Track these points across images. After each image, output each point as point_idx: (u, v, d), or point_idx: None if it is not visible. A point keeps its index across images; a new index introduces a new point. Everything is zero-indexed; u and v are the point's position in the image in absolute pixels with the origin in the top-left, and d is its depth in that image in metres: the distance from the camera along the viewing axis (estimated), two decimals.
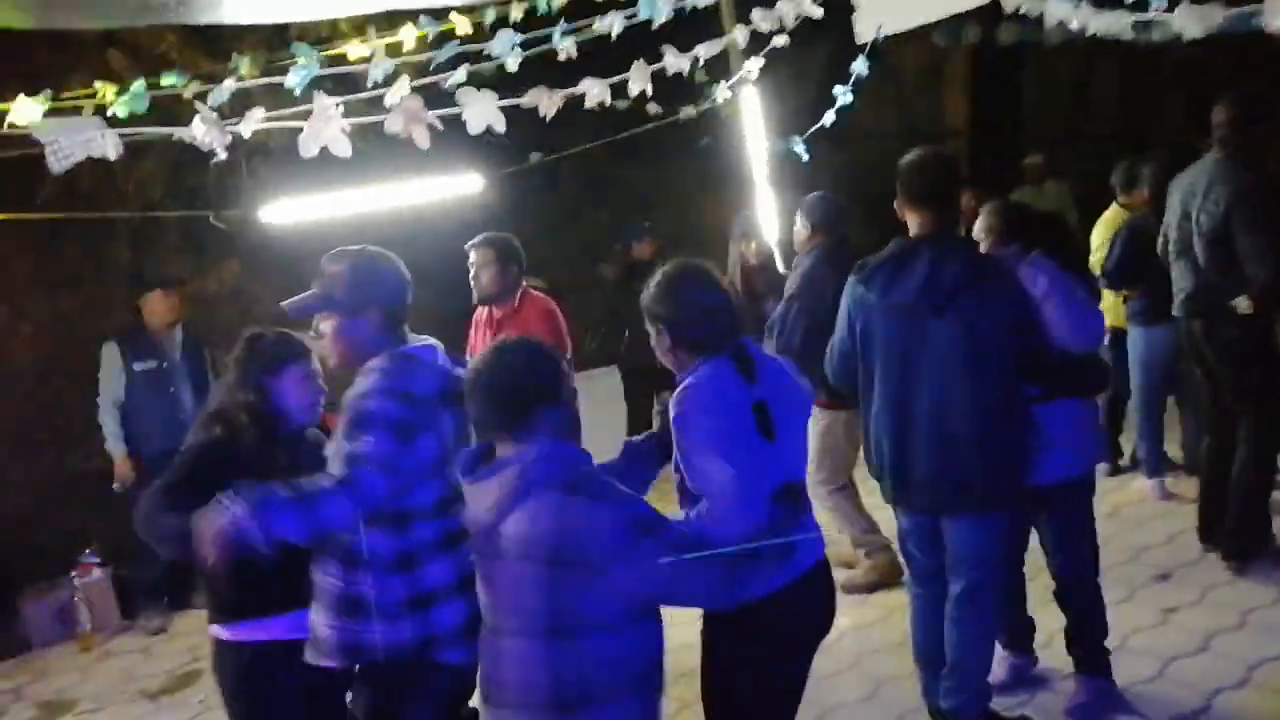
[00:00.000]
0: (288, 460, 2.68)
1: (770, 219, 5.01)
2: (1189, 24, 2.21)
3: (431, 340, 2.74)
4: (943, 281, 3.09)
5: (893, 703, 3.71)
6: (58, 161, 2.32)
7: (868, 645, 4.17)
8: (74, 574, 5.33)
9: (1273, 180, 4.20)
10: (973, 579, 3.20)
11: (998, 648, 3.52)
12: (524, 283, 4.63)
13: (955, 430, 3.09)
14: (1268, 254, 3.99)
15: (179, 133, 2.56)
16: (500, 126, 2.40)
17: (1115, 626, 3.99)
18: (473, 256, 4.54)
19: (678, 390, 2.45)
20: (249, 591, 2.71)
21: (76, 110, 3.24)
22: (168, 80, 3.72)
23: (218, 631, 2.82)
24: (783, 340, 4.36)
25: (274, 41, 4.99)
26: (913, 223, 3.25)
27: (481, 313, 4.71)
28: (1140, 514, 5.11)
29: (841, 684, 3.88)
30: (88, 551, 5.42)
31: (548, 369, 2.26)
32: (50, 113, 2.73)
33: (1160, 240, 4.49)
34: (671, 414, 2.42)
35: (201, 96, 2.98)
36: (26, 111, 2.60)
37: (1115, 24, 2.92)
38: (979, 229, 3.55)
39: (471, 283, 4.53)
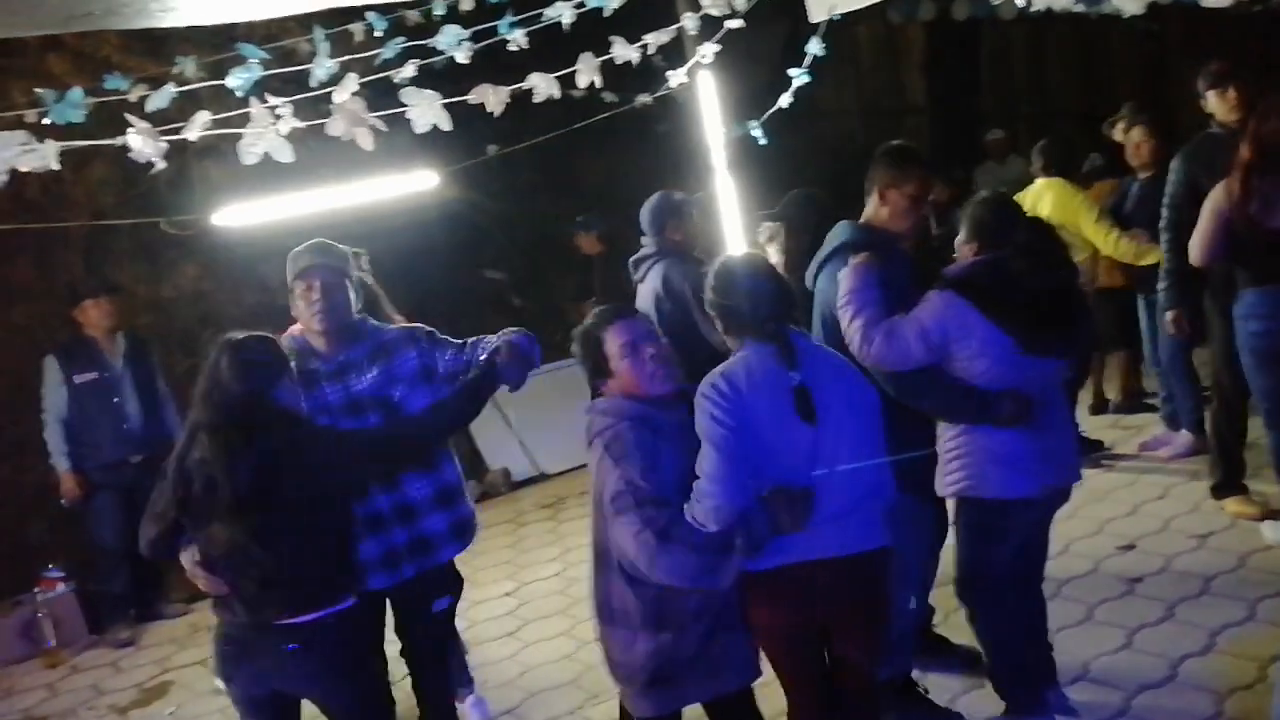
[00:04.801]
0: None
1: (729, 205, 4.98)
2: (1126, 1, 2.21)
3: None
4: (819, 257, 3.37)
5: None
6: None
7: None
8: (37, 590, 5.25)
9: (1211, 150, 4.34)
10: None
11: None
12: None
13: None
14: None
15: (120, 142, 2.51)
16: (446, 125, 2.36)
17: (1081, 600, 4.05)
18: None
19: (710, 373, 2.63)
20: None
21: (20, 120, 3.16)
22: (110, 85, 3.65)
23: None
24: None
25: (220, 41, 4.90)
26: None
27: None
28: (1104, 485, 5.16)
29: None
30: (50, 566, 5.34)
31: (597, 335, 2.61)
32: None
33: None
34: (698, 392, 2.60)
35: (143, 102, 2.92)
36: None
37: None
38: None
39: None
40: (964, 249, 3.26)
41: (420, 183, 5.12)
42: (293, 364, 2.95)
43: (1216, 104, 4.44)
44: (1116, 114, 5.89)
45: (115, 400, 5.20)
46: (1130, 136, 5.27)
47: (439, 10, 3.87)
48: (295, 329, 3.25)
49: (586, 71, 2.80)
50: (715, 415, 2.51)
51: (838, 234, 3.35)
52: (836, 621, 2.68)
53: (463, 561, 4.30)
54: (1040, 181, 5.44)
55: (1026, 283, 3.02)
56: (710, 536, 2.43)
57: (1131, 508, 4.85)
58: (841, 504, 2.57)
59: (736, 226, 5.03)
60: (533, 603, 4.89)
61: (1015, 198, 5.38)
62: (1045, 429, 3.10)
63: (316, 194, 4.71)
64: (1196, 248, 4.17)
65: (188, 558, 2.78)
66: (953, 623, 3.82)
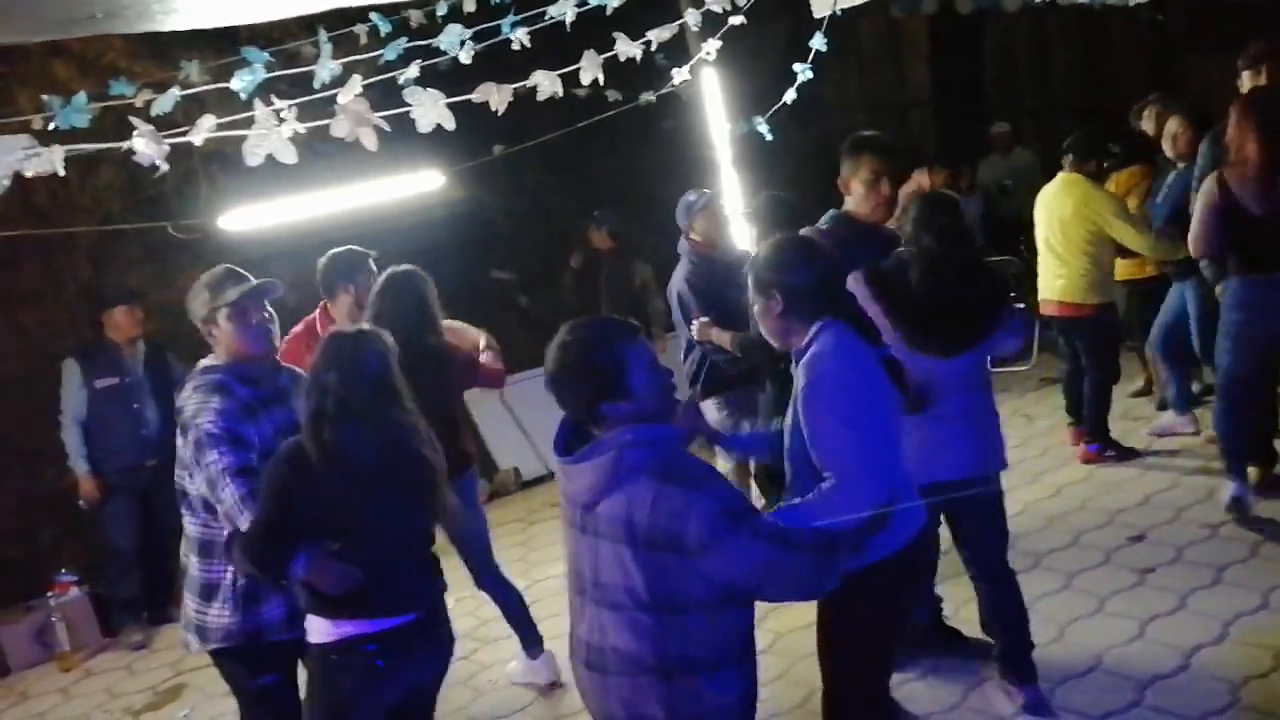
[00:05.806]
0: None
1: (734, 201, 4.99)
2: None
3: None
4: None
5: None
6: None
7: (799, 651, 3.94)
8: (50, 594, 5.27)
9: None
10: None
11: None
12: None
13: None
14: None
15: (125, 146, 2.51)
16: (450, 124, 2.36)
17: (1092, 592, 4.04)
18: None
19: (804, 360, 2.51)
20: None
21: (26, 125, 3.17)
22: (115, 90, 3.66)
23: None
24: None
25: (224, 45, 4.91)
26: None
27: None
28: (1115, 477, 5.15)
29: (772, 693, 3.70)
30: (63, 570, 5.36)
31: (619, 350, 2.22)
32: None
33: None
34: (799, 383, 2.49)
35: (148, 106, 2.92)
36: None
37: None
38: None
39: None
40: None
41: (426, 183, 5.13)
42: (220, 399, 2.91)
43: (1251, 85, 4.51)
44: (1142, 101, 5.87)
45: (135, 406, 5.25)
46: (1168, 127, 5.22)
47: (442, 11, 3.87)
48: (209, 361, 3.09)
49: (590, 69, 2.79)
50: (855, 398, 2.43)
51: (821, 220, 3.61)
52: (925, 583, 2.92)
53: None
54: (1061, 176, 5.39)
55: (916, 282, 3.17)
56: (818, 535, 2.25)
57: (1142, 498, 4.83)
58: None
59: (742, 221, 5.04)
60: (544, 601, 4.89)
61: (1042, 189, 5.42)
62: (939, 424, 3.17)
63: (323, 196, 4.73)
64: (1197, 239, 4.26)
65: (317, 557, 2.67)
66: (964, 616, 3.82)
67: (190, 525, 3.03)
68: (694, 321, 4.42)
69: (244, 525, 2.75)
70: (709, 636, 2.21)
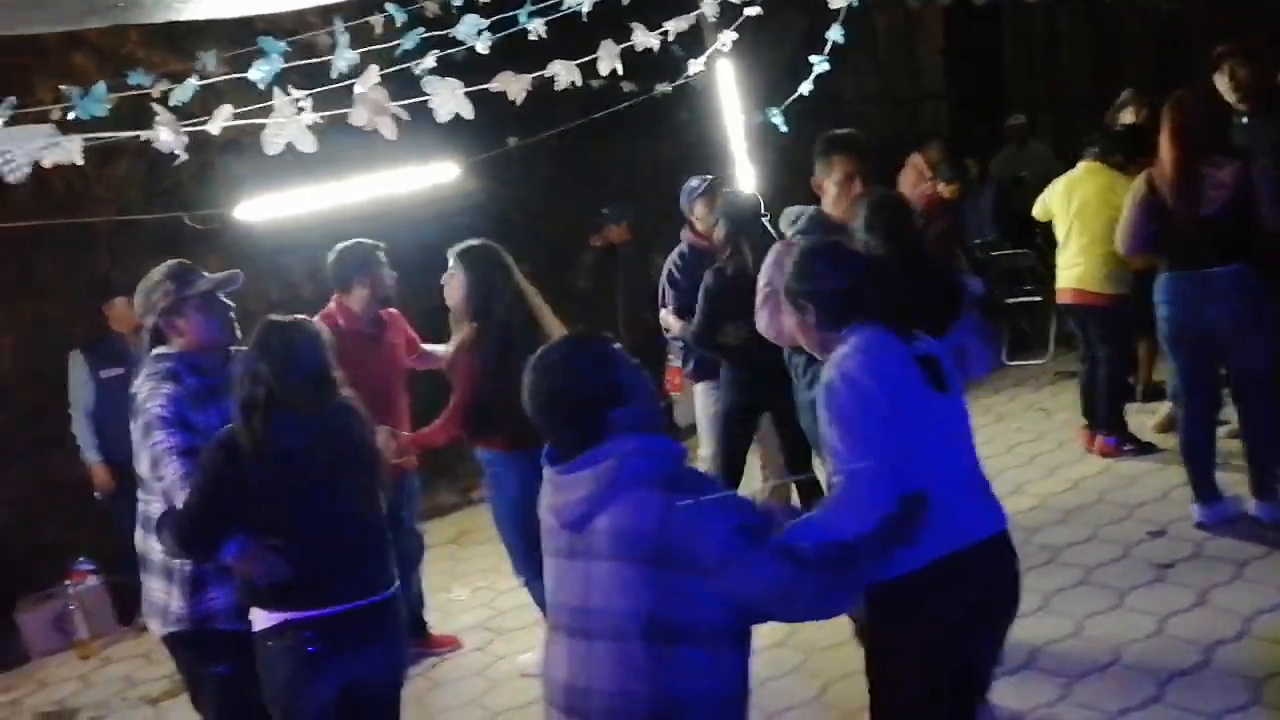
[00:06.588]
0: None
1: (750, 192, 4.97)
2: None
3: None
4: None
5: (839, 701, 3.55)
6: (10, 173, 2.26)
7: (814, 644, 3.95)
8: (68, 582, 5.31)
9: None
10: None
11: None
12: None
13: None
14: None
15: (143, 135, 2.52)
16: (468, 113, 2.36)
17: (1111, 586, 4.02)
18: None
19: (832, 360, 2.39)
20: None
21: (45, 116, 3.18)
22: (133, 80, 3.67)
23: None
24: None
25: (240, 35, 4.92)
26: None
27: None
28: (1133, 470, 5.12)
29: (787, 686, 3.75)
30: (81, 559, 5.39)
31: (611, 368, 2.13)
32: (15, 120, 2.67)
33: None
34: (822, 383, 2.38)
35: (166, 96, 2.94)
36: None
37: None
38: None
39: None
40: None
41: (441, 175, 5.13)
42: (172, 386, 2.99)
43: (1219, 83, 4.64)
44: (1119, 101, 5.96)
45: None
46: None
47: (458, 1, 3.87)
48: (163, 350, 3.17)
49: (607, 59, 2.79)
50: (866, 406, 2.27)
51: (800, 221, 3.72)
52: (988, 614, 2.46)
53: (488, 552, 4.33)
54: (1084, 164, 5.39)
55: None
56: (831, 549, 2.10)
57: (1161, 492, 4.80)
58: (981, 475, 2.48)
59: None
60: None
61: (1060, 179, 5.42)
62: None
63: (338, 187, 4.73)
64: (1122, 236, 4.39)
65: (251, 545, 2.72)
66: None
67: (150, 511, 3.07)
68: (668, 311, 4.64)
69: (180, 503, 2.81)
70: (706, 674, 2.02)
